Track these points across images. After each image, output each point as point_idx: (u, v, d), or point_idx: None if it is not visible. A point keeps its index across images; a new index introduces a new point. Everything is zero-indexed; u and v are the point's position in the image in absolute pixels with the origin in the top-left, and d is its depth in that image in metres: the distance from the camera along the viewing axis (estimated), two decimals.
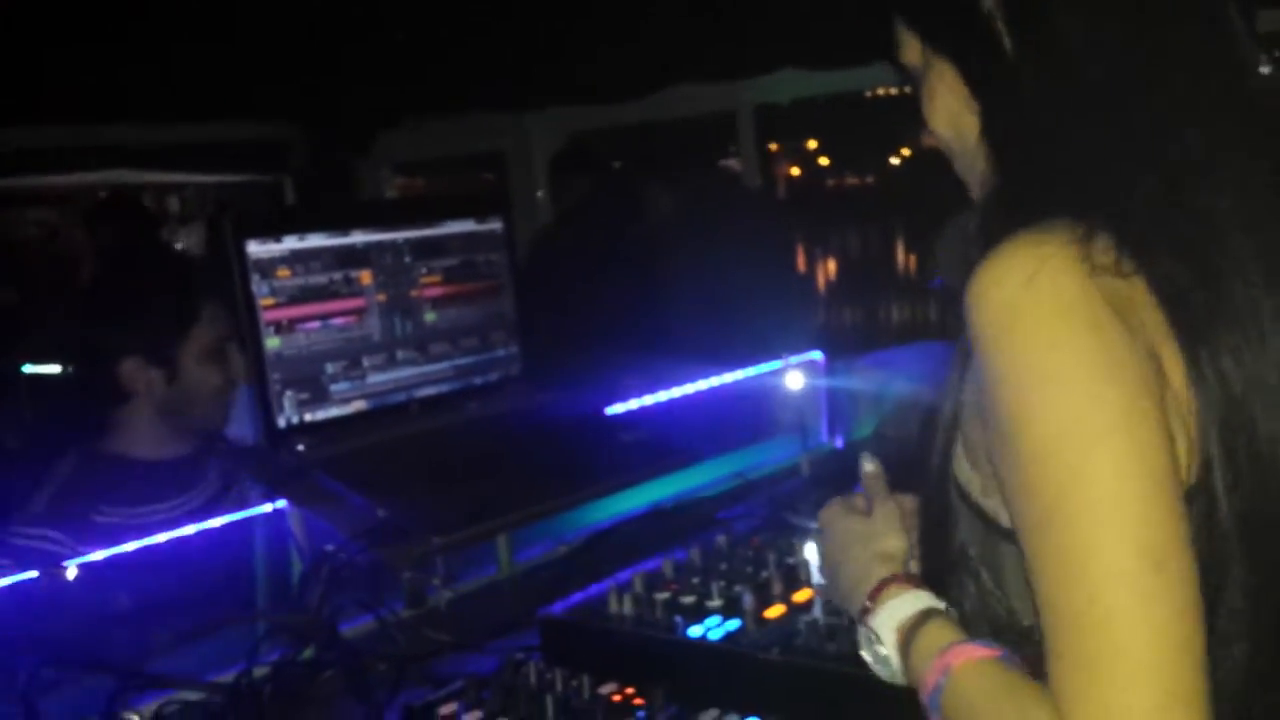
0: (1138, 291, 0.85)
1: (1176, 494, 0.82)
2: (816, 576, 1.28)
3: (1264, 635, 0.89)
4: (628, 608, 1.51)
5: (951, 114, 1.01)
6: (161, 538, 1.72)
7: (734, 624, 1.42)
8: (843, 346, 2.88)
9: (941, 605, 1.00)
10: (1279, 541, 0.87)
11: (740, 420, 2.48)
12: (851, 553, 1.09)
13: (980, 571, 0.95)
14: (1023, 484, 0.84)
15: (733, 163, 4.93)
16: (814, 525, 1.81)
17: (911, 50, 1.04)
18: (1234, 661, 0.89)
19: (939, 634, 0.96)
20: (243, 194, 5.60)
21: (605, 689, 1.36)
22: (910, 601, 1.01)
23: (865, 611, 1.03)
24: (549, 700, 1.31)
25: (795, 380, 2.53)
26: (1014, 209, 0.89)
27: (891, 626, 1.00)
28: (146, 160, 5.16)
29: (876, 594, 1.03)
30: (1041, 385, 0.83)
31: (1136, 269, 0.85)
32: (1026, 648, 0.93)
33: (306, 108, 4.98)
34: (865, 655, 1.04)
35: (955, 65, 0.99)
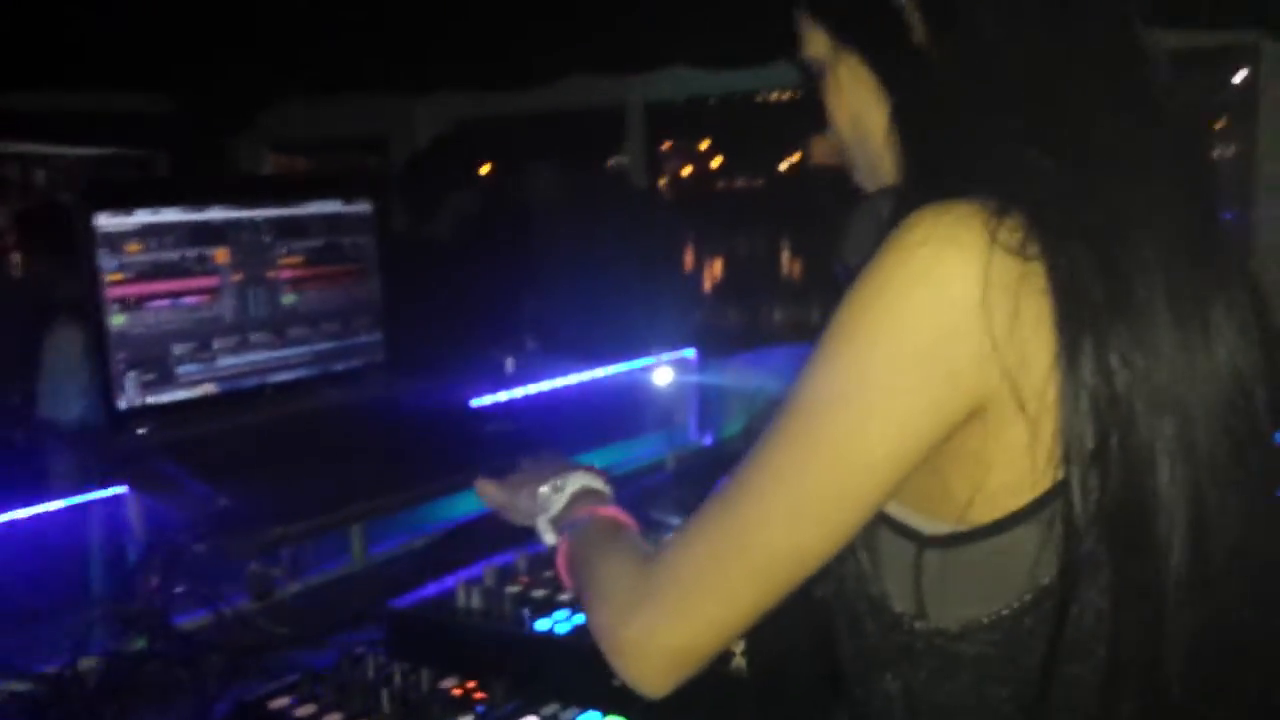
0: (1033, 275, 0.85)
1: (872, 487, 0.88)
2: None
3: (1126, 642, 0.89)
4: (475, 601, 1.48)
5: (856, 109, 1.01)
6: None
7: (582, 618, 1.41)
8: (723, 345, 2.90)
9: (606, 489, 1.25)
10: (1147, 545, 0.88)
11: (609, 416, 2.48)
12: (550, 464, 1.34)
13: (860, 553, 0.97)
14: (784, 400, 0.90)
15: (623, 159, 4.93)
16: (676, 521, 1.83)
17: (816, 44, 1.03)
18: (1092, 664, 0.89)
19: (596, 499, 1.22)
20: (113, 169, 5.39)
21: (446, 683, 1.34)
22: (587, 478, 1.25)
23: (557, 482, 1.25)
24: (385, 694, 1.28)
25: (665, 376, 2.54)
26: (929, 190, 0.89)
27: (570, 490, 1.24)
28: (11, 129, 4.93)
29: (568, 472, 1.27)
30: (845, 333, 0.87)
31: (1041, 252, 0.84)
32: (896, 634, 0.96)
33: (183, 80, 4.81)
34: (540, 517, 1.25)
35: (865, 56, 0.99)
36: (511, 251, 3.52)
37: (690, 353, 2.63)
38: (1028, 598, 0.89)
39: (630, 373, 2.50)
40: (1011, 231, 0.84)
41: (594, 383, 2.37)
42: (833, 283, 0.94)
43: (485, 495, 1.40)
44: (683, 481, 2.29)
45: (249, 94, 4.94)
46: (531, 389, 2.18)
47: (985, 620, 0.91)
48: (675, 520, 1.84)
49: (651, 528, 1.76)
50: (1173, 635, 0.88)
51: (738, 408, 2.74)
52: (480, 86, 4.60)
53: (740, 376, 2.75)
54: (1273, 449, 0.95)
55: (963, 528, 0.90)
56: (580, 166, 3.71)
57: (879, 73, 0.98)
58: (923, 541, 0.93)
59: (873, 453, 0.86)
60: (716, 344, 2.87)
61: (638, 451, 2.51)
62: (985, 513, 0.89)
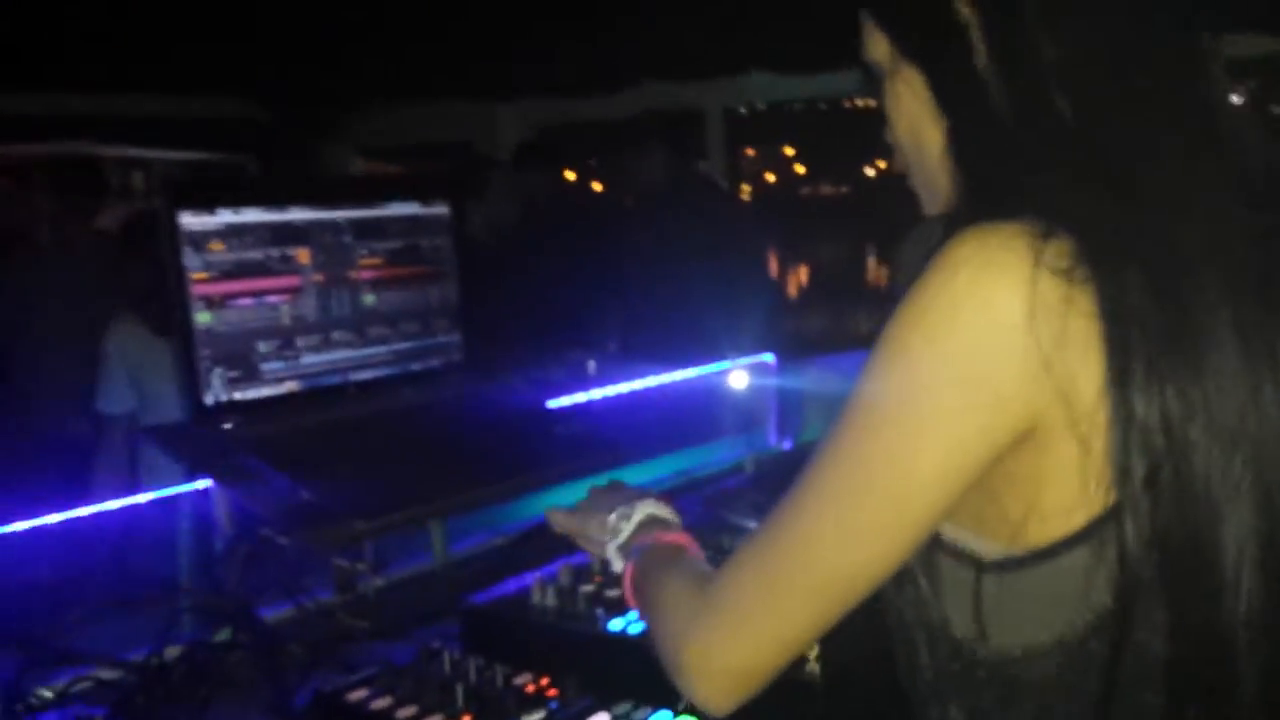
0: (1080, 298, 0.83)
1: (923, 508, 0.87)
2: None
3: (1187, 676, 0.87)
4: (550, 599, 1.49)
5: (914, 122, 1.00)
6: (86, 510, 1.69)
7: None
8: (804, 350, 2.88)
9: (673, 516, 1.25)
10: (1208, 582, 0.85)
11: (688, 419, 2.47)
12: (619, 491, 1.37)
13: (919, 579, 0.96)
14: (835, 421, 0.90)
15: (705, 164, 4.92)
16: (751, 524, 1.82)
17: (878, 48, 1.02)
18: (1142, 709, 0.88)
19: (662, 526, 1.23)
20: (206, 173, 5.53)
21: (519, 679, 1.34)
22: (654, 506, 1.26)
23: (625, 510, 1.26)
24: (459, 689, 1.29)
25: (744, 380, 2.53)
26: (978, 213, 0.88)
27: (637, 518, 1.24)
28: (108, 133, 5.09)
29: (635, 500, 1.27)
30: (893, 354, 0.87)
31: (1090, 276, 0.83)
32: (958, 659, 0.95)
33: (274, 87, 4.93)
34: (609, 544, 1.26)
35: (924, 73, 0.97)
36: (592, 253, 3.53)
37: (769, 357, 2.62)
38: (1090, 620, 0.88)
39: (709, 376, 2.49)
40: (1058, 254, 0.83)
41: (673, 386, 2.37)
42: (891, 305, 0.93)
43: (556, 523, 1.42)
44: (761, 485, 2.27)
45: (337, 100, 5.05)
46: (610, 391, 2.19)
47: (1048, 643, 0.90)
48: (752, 524, 1.83)
49: (728, 531, 1.76)
50: (1246, 674, 0.86)
51: (816, 412, 2.72)
52: (561, 93, 4.65)
53: (819, 381, 2.73)
54: None
55: (1020, 551, 0.89)
56: (663, 168, 3.69)
57: (937, 91, 0.96)
58: (981, 566, 0.92)
59: (922, 473, 0.86)
60: (797, 349, 2.85)
61: (716, 455, 2.51)
62: (1041, 534, 0.88)
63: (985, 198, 0.90)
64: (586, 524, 1.35)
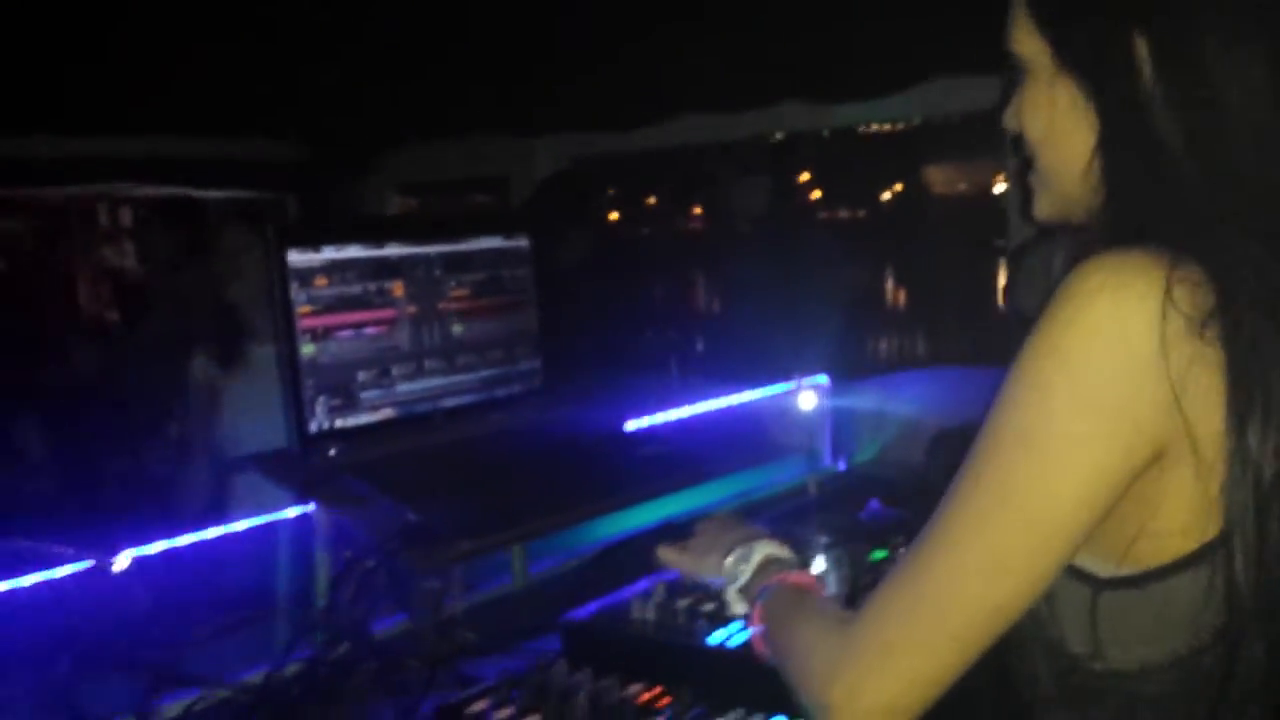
0: (1209, 333, 0.86)
1: (1065, 536, 0.89)
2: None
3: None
4: (650, 614, 1.55)
5: (1056, 128, 0.99)
6: (190, 538, 1.75)
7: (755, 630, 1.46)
8: (848, 369, 2.94)
9: (790, 555, 1.28)
10: None
11: (752, 439, 2.53)
12: (730, 529, 1.37)
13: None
14: (969, 454, 0.92)
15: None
16: (822, 539, 1.87)
17: (1030, 46, 1.00)
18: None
19: (782, 566, 1.24)
20: (246, 210, 5.62)
21: (633, 689, 1.40)
22: (771, 546, 1.28)
23: (742, 552, 1.27)
24: (580, 698, 1.34)
25: (803, 402, 2.59)
26: (1114, 237, 0.91)
27: (756, 560, 1.25)
28: (145, 173, 5.19)
29: (752, 541, 1.28)
30: (1028, 382, 0.89)
31: (1217, 312, 0.85)
32: (1075, 675, 0.98)
33: (311, 125, 5.02)
34: (729, 587, 1.27)
35: (1085, 91, 0.96)
36: (662, 278, 3.60)
37: (823, 379, 2.68)
38: (1205, 637, 0.91)
39: (769, 398, 2.55)
40: (1189, 285, 0.86)
41: (738, 407, 2.43)
42: (1000, 322, 0.96)
43: (668, 562, 1.42)
44: (826, 504, 2.33)
45: (374, 138, 5.13)
46: (679, 413, 2.25)
47: (1164, 660, 0.93)
48: (822, 538, 1.88)
49: (798, 545, 1.82)
50: None
51: (868, 433, 2.77)
52: (596, 126, 4.72)
53: (871, 402, 2.78)
54: None
55: (1134, 569, 0.92)
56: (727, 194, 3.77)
57: (1100, 114, 0.95)
58: (1098, 584, 0.94)
59: (1065, 500, 0.88)
60: (848, 368, 2.91)
61: (780, 474, 2.56)
62: (1155, 555, 0.91)
63: (1131, 226, 0.92)
64: (700, 565, 1.35)
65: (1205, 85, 0.90)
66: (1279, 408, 0.86)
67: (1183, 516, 0.90)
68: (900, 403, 2.74)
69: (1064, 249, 0.98)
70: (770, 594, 1.18)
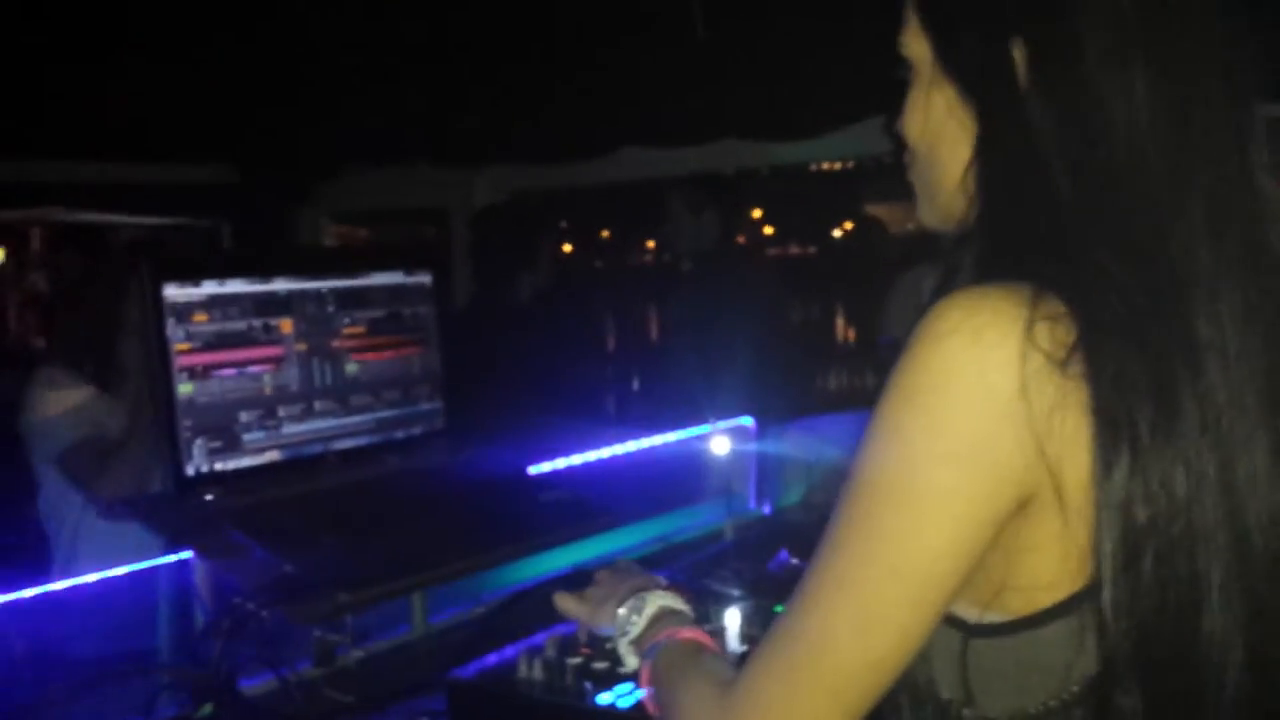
0: (1073, 371, 0.82)
1: (936, 587, 0.85)
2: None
3: None
4: (538, 673, 1.48)
5: (936, 133, 0.97)
6: (64, 584, 1.66)
7: (643, 693, 1.39)
8: (776, 411, 2.90)
9: (684, 608, 1.23)
10: (1187, 679, 0.85)
11: (667, 483, 2.47)
12: (627, 579, 1.32)
13: None
14: (837, 504, 0.88)
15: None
16: (735, 592, 1.81)
17: (917, 48, 0.97)
18: None
19: (675, 619, 1.20)
20: (178, 237, 5.53)
21: None
22: (666, 598, 1.23)
23: (635, 603, 1.23)
24: None
25: (723, 445, 2.53)
26: (984, 269, 0.87)
27: (649, 612, 1.21)
28: (81, 199, 5.09)
29: (645, 591, 1.24)
30: (887, 432, 0.85)
31: (1082, 351, 0.82)
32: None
33: (246, 152, 4.94)
34: (620, 639, 1.24)
35: (961, 92, 0.93)
36: (571, 321, 3.55)
37: (748, 420, 2.63)
38: (1075, 690, 0.87)
39: (689, 440, 2.49)
40: (1049, 322, 0.82)
41: (652, 450, 2.37)
42: (875, 352, 0.92)
43: (566, 610, 1.39)
44: (742, 551, 2.27)
45: (311, 165, 5.06)
46: (589, 456, 2.19)
47: (1032, 710, 0.89)
48: (734, 591, 1.83)
49: (710, 598, 1.76)
50: None
51: (795, 477, 2.72)
52: (537, 159, 4.68)
53: (797, 445, 2.73)
54: None
55: (1004, 617, 0.89)
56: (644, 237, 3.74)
57: (979, 123, 0.92)
58: (969, 630, 0.91)
59: (930, 554, 0.84)
60: (772, 411, 2.86)
61: (694, 520, 2.50)
62: (1025, 603, 0.88)
63: (997, 233, 0.88)
64: (597, 615, 1.32)
65: (1084, 97, 0.86)
66: (1147, 446, 0.82)
67: (1052, 564, 0.86)
68: (829, 445, 2.70)
69: (932, 275, 0.93)
70: (659, 651, 1.14)
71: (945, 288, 0.88)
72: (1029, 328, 0.81)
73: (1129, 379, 0.82)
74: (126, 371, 2.60)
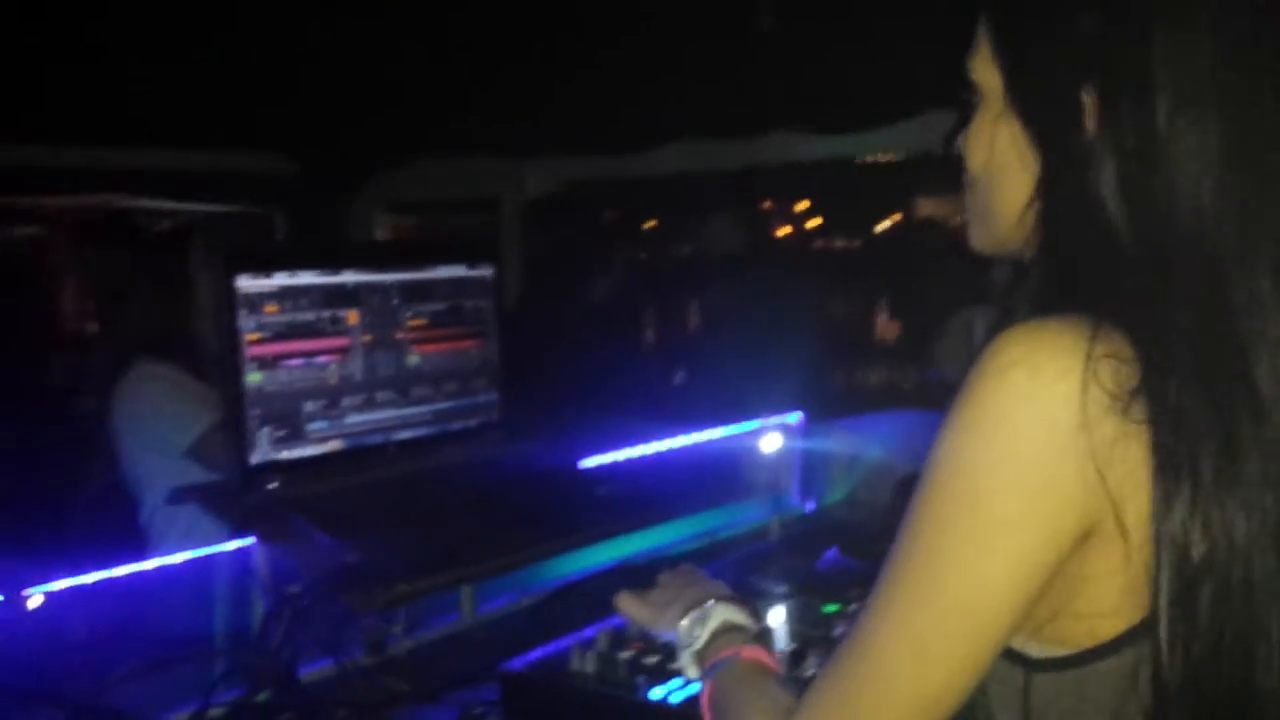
0: (1134, 408, 0.83)
1: (997, 622, 0.86)
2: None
3: None
4: (590, 665, 1.50)
5: (998, 162, 0.97)
6: (125, 569, 1.70)
7: (694, 688, 1.41)
8: (821, 408, 2.90)
9: (748, 622, 1.20)
10: (1235, 698, 0.85)
11: (715, 479, 2.49)
12: (691, 585, 1.30)
13: None
14: (899, 534, 0.89)
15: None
16: (779, 590, 1.82)
17: (986, 75, 0.97)
18: None
19: (738, 635, 1.17)
20: (233, 224, 5.60)
21: None
22: (729, 610, 1.20)
23: (698, 615, 1.21)
24: None
25: (772, 441, 2.54)
26: (1041, 304, 0.88)
27: (712, 626, 1.19)
28: (137, 185, 5.16)
29: (709, 602, 1.21)
30: (948, 463, 0.86)
31: (1142, 389, 0.82)
32: None
33: (302, 141, 5.00)
34: (683, 651, 1.21)
35: (1028, 127, 0.93)
36: (624, 314, 3.56)
37: (795, 417, 2.64)
38: None
39: (737, 436, 2.51)
40: (1113, 360, 0.82)
41: (701, 446, 2.39)
42: (927, 388, 0.92)
43: (627, 611, 1.37)
44: (788, 548, 2.28)
45: (365, 156, 5.11)
46: (639, 451, 2.21)
47: None
48: (780, 588, 1.84)
49: (756, 596, 1.77)
50: None
51: (840, 475, 2.73)
52: (590, 150, 4.70)
53: (843, 443, 2.74)
54: None
55: (1065, 651, 0.89)
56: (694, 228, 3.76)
57: (1043, 161, 0.92)
58: (1030, 665, 0.91)
59: (994, 584, 0.85)
60: (817, 406, 2.86)
61: (740, 517, 2.52)
62: (1086, 635, 0.88)
63: (1059, 282, 0.89)
64: (659, 620, 1.30)
65: (1154, 150, 0.86)
66: (1208, 488, 0.83)
67: (1113, 597, 0.87)
68: (873, 443, 2.70)
69: (984, 315, 0.94)
70: (722, 670, 1.14)
71: (1003, 323, 0.88)
72: (1089, 360, 0.82)
73: (1192, 422, 0.82)
74: (208, 357, 2.64)
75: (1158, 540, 0.83)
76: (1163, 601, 0.83)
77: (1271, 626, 0.84)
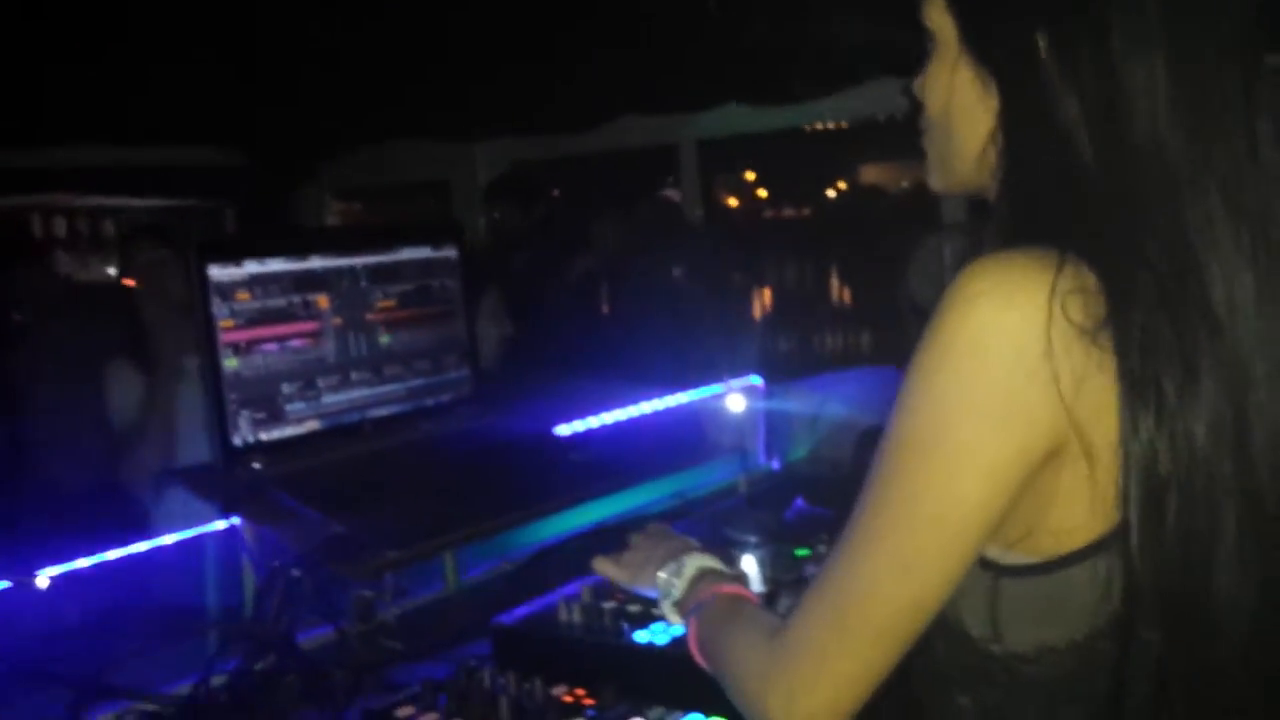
0: (1100, 334, 0.87)
1: (970, 534, 0.92)
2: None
3: (1176, 682, 0.92)
4: (577, 616, 1.57)
5: (955, 104, 1.00)
6: (116, 553, 1.75)
7: (679, 629, 1.49)
8: (778, 372, 2.98)
9: (721, 566, 1.29)
10: (1199, 628, 0.91)
11: (683, 441, 2.56)
12: (662, 542, 1.39)
13: None
14: (875, 459, 0.95)
15: (673, 193, 5.04)
16: (751, 539, 1.90)
17: (940, 21, 1.01)
18: (1145, 703, 0.93)
19: (714, 577, 1.25)
20: (182, 218, 5.58)
21: (557, 690, 1.42)
22: (703, 559, 1.29)
23: (674, 566, 1.29)
24: (503, 702, 1.37)
25: (736, 403, 2.62)
26: (1008, 237, 0.92)
27: (688, 574, 1.27)
28: (85, 183, 5.14)
29: (683, 554, 1.30)
30: (920, 391, 0.92)
31: (1108, 313, 0.87)
32: (971, 655, 1.00)
33: (250, 133, 4.99)
34: (663, 601, 1.29)
35: (986, 68, 0.97)
36: (588, 286, 3.62)
37: (757, 380, 2.72)
38: (1101, 624, 0.93)
39: (702, 399, 2.59)
40: (1080, 292, 0.87)
41: (668, 410, 2.46)
42: (898, 314, 0.98)
43: (604, 573, 1.45)
44: (756, 503, 2.36)
45: (312, 145, 5.11)
46: (610, 417, 2.28)
47: (1060, 645, 0.95)
48: (751, 538, 1.92)
49: (729, 545, 1.85)
50: (1240, 682, 0.92)
51: (802, 433, 2.81)
52: (539, 129, 4.74)
53: (804, 402, 2.82)
54: None
55: (1034, 558, 0.95)
56: (641, 202, 3.83)
57: (997, 88, 0.97)
58: (999, 570, 0.97)
59: (968, 499, 0.90)
60: (775, 370, 2.94)
61: (709, 477, 2.60)
62: (1055, 545, 0.94)
63: (1024, 215, 0.94)
64: (636, 579, 1.38)
65: (1108, 84, 0.91)
66: (1171, 406, 0.88)
67: (1081, 510, 0.92)
68: (832, 402, 2.79)
69: (953, 243, 1.01)
70: (704, 608, 1.19)
71: (970, 255, 0.93)
72: (1055, 291, 0.87)
73: (1156, 347, 0.88)
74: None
75: (1126, 458, 0.89)
76: (1133, 512, 0.89)
77: (1229, 528, 0.91)
